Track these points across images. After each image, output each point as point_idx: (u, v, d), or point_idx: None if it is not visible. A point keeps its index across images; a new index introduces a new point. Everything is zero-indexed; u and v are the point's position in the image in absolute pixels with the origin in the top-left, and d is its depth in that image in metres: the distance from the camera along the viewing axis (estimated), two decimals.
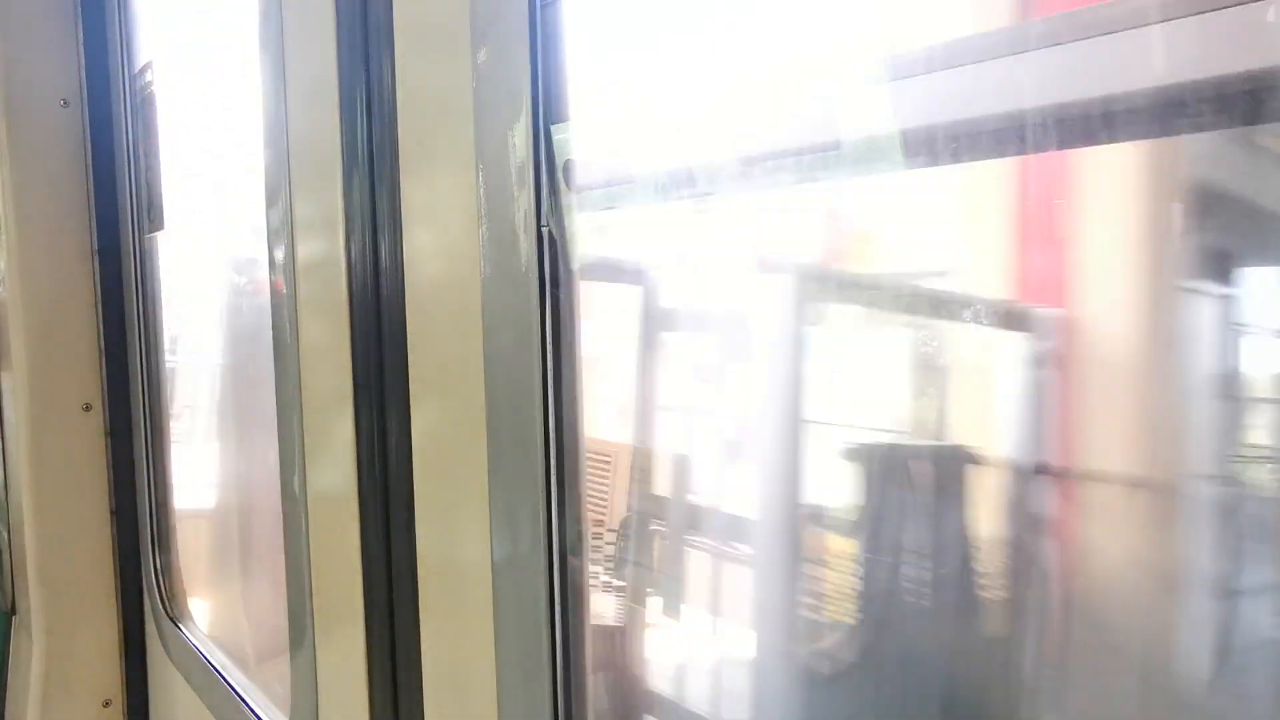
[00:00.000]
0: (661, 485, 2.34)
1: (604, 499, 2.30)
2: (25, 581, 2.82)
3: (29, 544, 2.78)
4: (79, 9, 2.76)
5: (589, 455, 1.23)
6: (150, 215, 2.71)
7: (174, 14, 2.75)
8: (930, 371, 1.56)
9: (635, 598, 2.27)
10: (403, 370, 1.36)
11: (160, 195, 2.68)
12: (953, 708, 1.49)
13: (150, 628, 2.84)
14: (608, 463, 2.29)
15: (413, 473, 1.36)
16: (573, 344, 1.16)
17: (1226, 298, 1.13)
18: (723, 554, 2.12)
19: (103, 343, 2.83)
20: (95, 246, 2.81)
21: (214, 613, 2.94)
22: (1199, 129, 0.74)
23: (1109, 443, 1.29)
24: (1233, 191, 1.06)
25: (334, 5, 1.39)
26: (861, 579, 1.74)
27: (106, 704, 2.89)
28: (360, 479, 1.43)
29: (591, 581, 1.27)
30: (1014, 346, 1.37)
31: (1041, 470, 1.35)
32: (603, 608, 2.23)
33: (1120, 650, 1.26)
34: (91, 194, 2.79)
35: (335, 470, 1.49)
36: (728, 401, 2.09)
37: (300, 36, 1.47)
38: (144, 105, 2.67)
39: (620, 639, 2.21)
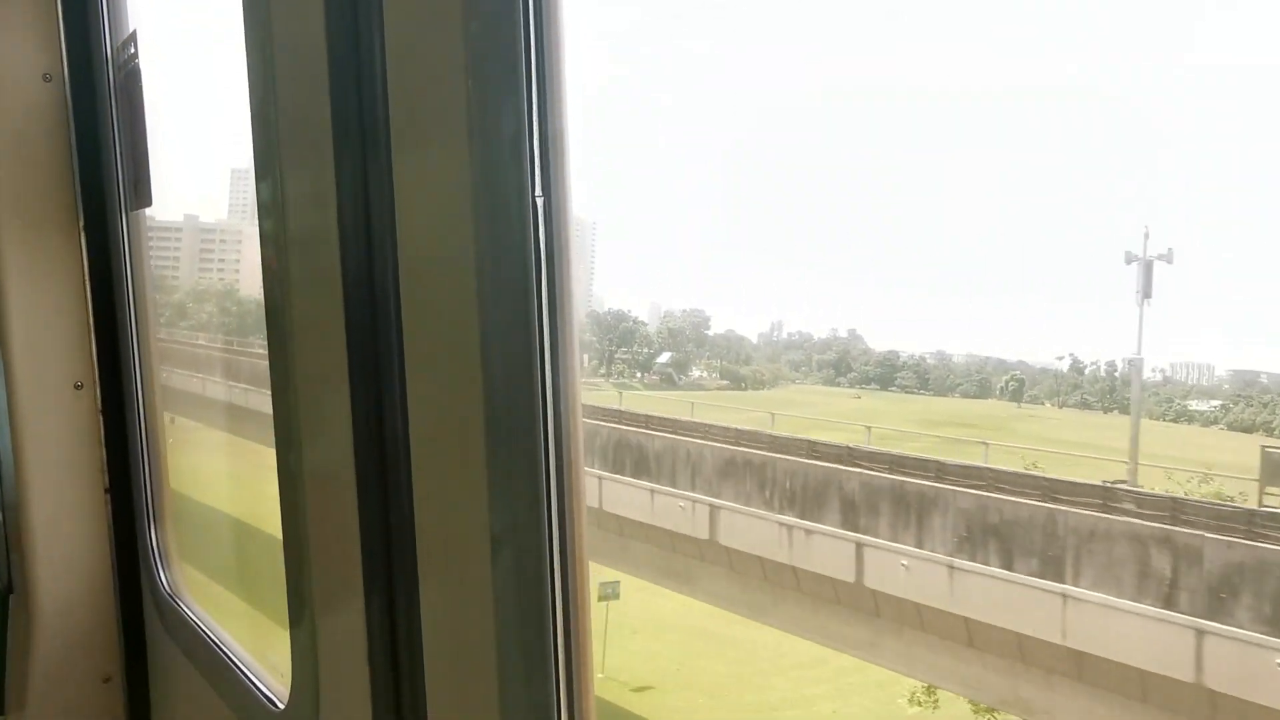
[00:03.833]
0: None
1: None
2: (22, 560, 2.82)
3: (25, 523, 2.78)
4: None
5: None
6: (137, 191, 2.68)
7: None
8: None
9: None
10: (398, 344, 1.36)
11: (147, 170, 2.64)
12: None
13: (148, 604, 2.85)
14: None
15: (410, 447, 1.37)
16: (568, 314, 1.17)
17: None
18: None
19: (92, 321, 2.80)
20: (82, 224, 2.77)
21: None
22: None
23: None
24: None
25: None
26: None
27: (106, 680, 2.90)
28: (357, 454, 1.44)
29: None
30: None
31: None
32: None
33: None
34: (76, 170, 2.74)
35: (332, 445, 1.49)
36: None
37: (288, 10, 1.46)
38: (129, 79, 2.62)
39: None
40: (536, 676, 1.24)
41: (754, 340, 42.75)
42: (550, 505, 1.19)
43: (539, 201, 1.14)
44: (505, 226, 1.16)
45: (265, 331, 1.63)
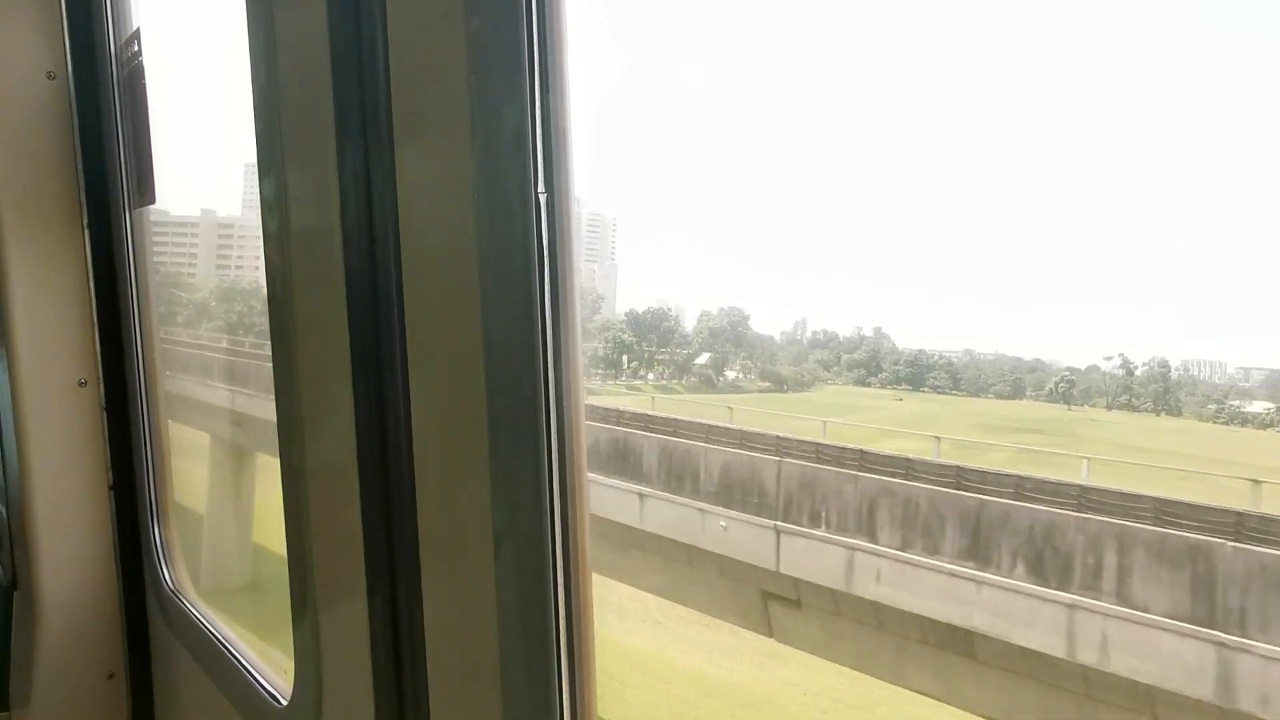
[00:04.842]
0: None
1: None
2: (26, 556, 2.85)
3: (29, 520, 2.80)
4: None
5: None
6: (140, 189, 2.69)
7: None
8: None
9: None
10: (400, 341, 1.36)
11: (151, 168, 2.65)
12: None
13: (151, 601, 2.86)
14: None
15: (413, 443, 1.37)
16: (571, 311, 1.16)
17: None
18: None
19: (96, 318, 2.82)
20: (85, 221, 2.78)
21: None
22: None
23: None
24: None
25: None
26: None
27: (110, 676, 2.92)
28: (360, 450, 1.44)
29: None
30: None
31: None
32: None
33: None
34: (80, 168, 2.76)
35: (335, 442, 1.49)
36: None
37: (290, 5, 1.45)
38: (132, 76, 2.63)
39: None
40: (539, 672, 1.23)
41: (777, 339, 42.39)
42: (553, 501, 1.19)
43: (542, 198, 1.14)
44: (508, 223, 1.16)
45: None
